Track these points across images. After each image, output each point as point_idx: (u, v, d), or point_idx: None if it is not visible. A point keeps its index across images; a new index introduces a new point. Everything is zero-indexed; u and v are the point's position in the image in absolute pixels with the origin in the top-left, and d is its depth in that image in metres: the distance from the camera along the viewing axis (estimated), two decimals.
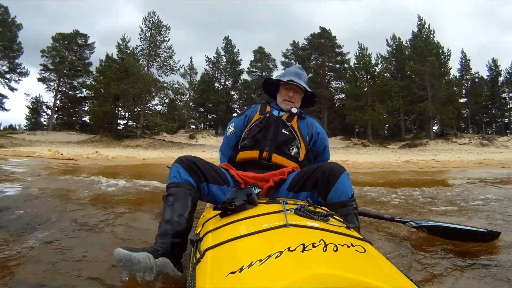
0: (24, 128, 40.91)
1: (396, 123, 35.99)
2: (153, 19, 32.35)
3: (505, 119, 50.59)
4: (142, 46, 32.35)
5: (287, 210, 1.28)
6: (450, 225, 2.34)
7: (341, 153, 22.73)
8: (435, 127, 36.15)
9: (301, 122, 2.31)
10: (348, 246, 0.96)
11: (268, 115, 2.27)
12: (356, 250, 0.96)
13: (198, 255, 1.11)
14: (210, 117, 45.85)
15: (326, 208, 1.49)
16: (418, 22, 36.78)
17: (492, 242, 2.23)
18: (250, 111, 2.43)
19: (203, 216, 1.86)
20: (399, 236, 2.55)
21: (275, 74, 44.78)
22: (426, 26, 36.22)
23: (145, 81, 29.33)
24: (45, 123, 42.31)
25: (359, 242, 1.05)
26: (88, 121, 37.03)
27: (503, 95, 49.63)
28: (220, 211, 1.42)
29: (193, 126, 43.51)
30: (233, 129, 2.42)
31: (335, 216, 1.38)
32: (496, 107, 49.79)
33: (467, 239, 2.25)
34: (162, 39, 32.65)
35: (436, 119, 34.65)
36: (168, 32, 32.90)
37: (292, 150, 2.17)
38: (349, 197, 1.81)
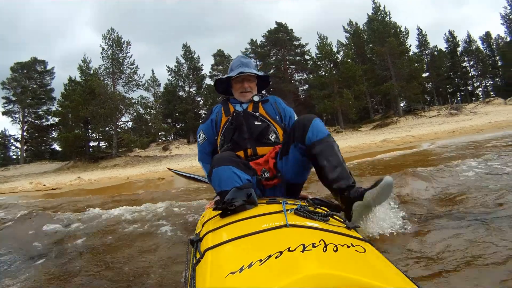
0: None
1: (363, 106, 36.72)
2: (113, 36, 31.73)
3: (469, 87, 52.53)
4: (106, 65, 31.65)
5: (287, 210, 1.29)
6: None
7: None
8: (402, 104, 37.02)
9: (266, 106, 2.31)
10: (348, 246, 0.97)
11: (234, 113, 2.24)
12: (356, 250, 0.96)
13: (198, 255, 1.12)
14: (178, 126, 45.07)
15: (326, 208, 1.49)
16: (373, 5, 37.68)
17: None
18: (214, 114, 2.38)
19: (203, 216, 1.84)
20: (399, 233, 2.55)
21: None
22: (382, 8, 37.12)
23: (114, 99, 28.91)
24: (14, 156, 41.24)
25: (359, 242, 1.06)
26: (58, 148, 36.09)
27: (464, 64, 51.55)
28: (220, 212, 1.43)
29: (162, 138, 43.03)
30: (204, 135, 2.40)
31: (335, 216, 1.38)
32: (458, 76, 51.67)
33: None
34: (124, 55, 32.07)
35: (402, 96, 35.52)
36: (130, 48, 32.33)
37: (271, 137, 2.17)
38: (326, 134, 1.88)
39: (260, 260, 0.86)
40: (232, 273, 0.84)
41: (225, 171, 1.78)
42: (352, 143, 17.66)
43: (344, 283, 0.74)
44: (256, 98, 2.29)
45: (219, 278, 0.86)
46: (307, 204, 1.53)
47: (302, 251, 0.89)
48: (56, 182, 16.51)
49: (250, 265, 0.85)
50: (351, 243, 0.99)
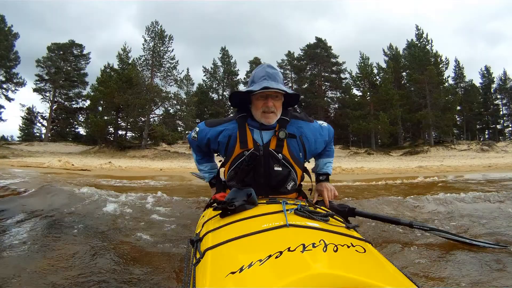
0: (17, 139, 39.94)
1: (396, 132, 36.44)
2: (156, 28, 31.99)
3: (498, 126, 51.71)
4: (146, 57, 31.93)
5: (287, 210, 1.29)
6: (466, 240, 2.22)
7: (349, 161, 22.92)
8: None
9: (291, 142, 1.89)
10: (348, 246, 0.97)
11: (252, 152, 1.85)
12: (356, 250, 0.97)
13: (198, 255, 1.11)
14: None
15: (326, 209, 1.50)
16: (416, 32, 37.52)
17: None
18: (224, 136, 1.95)
19: (203, 216, 1.80)
20: (402, 238, 2.55)
21: None
22: (424, 35, 36.85)
23: (150, 91, 29.00)
24: (37, 134, 41.74)
25: (359, 242, 1.06)
26: (83, 132, 36.28)
27: (496, 101, 50.84)
28: (220, 211, 1.41)
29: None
30: (196, 135, 2.08)
31: (335, 216, 1.39)
32: (489, 113, 50.87)
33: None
34: (165, 49, 32.30)
35: (435, 126, 35.09)
36: (171, 42, 32.60)
37: (288, 186, 1.89)
38: None
39: (260, 260, 0.87)
40: (232, 273, 0.85)
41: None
42: (386, 166, 17.85)
43: (344, 283, 0.75)
44: (282, 135, 1.83)
45: (219, 278, 0.87)
46: (307, 204, 1.51)
47: (302, 251, 0.89)
48: (84, 164, 16.72)
49: (250, 265, 0.85)
50: (351, 243, 1.00)
